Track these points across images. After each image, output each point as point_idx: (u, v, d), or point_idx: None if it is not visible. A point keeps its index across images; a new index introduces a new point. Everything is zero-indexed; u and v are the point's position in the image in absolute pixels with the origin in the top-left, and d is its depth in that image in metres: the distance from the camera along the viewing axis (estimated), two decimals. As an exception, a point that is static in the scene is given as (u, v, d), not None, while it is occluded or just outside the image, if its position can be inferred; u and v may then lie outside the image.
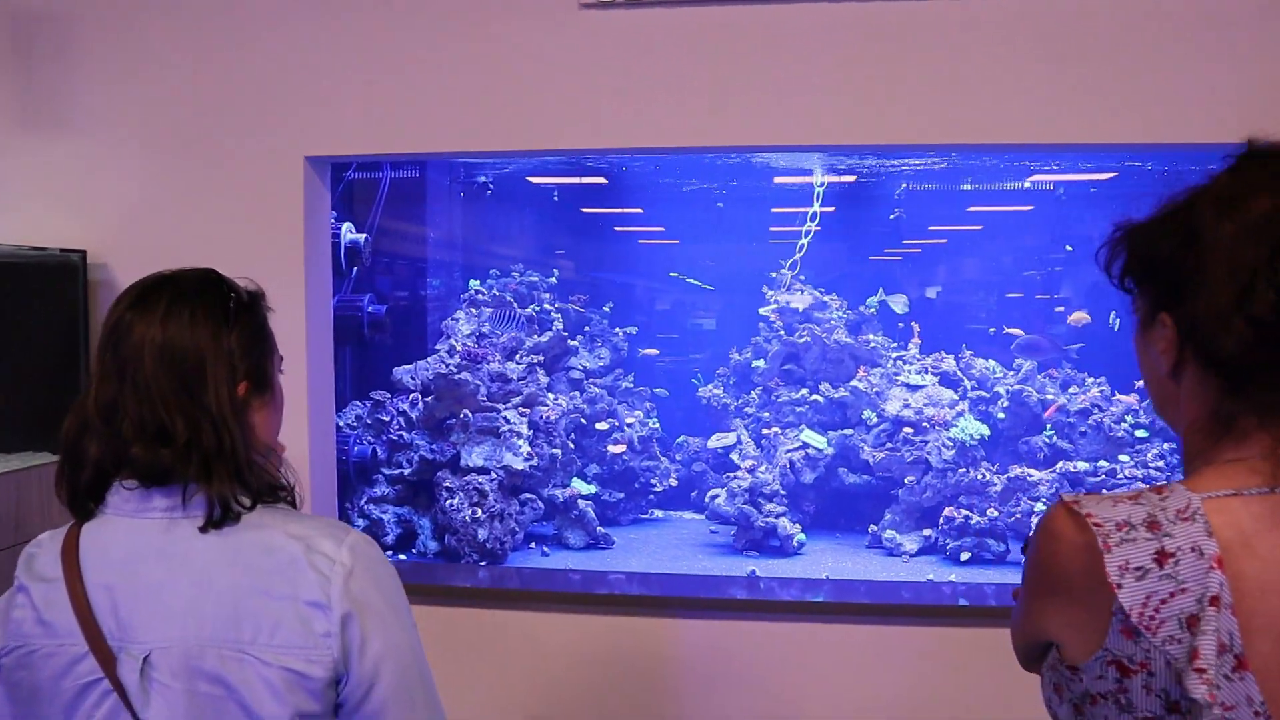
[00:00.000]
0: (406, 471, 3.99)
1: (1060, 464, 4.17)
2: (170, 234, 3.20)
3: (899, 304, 4.87)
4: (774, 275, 4.89)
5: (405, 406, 4.07)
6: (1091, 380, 4.52)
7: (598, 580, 3.54)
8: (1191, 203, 1.09)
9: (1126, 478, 4.09)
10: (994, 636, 3.10)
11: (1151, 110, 2.89)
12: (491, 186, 4.70)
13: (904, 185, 4.80)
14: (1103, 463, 4.17)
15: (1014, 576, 3.70)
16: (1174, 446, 4.33)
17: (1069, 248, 4.96)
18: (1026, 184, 4.70)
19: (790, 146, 3.10)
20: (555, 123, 3.07)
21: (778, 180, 4.76)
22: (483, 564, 3.76)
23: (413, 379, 4.18)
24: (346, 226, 3.80)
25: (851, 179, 4.69)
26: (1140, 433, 4.30)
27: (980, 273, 5.05)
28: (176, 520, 1.30)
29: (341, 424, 3.96)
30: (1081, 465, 4.13)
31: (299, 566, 1.28)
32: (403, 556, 3.88)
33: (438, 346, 4.31)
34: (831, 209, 4.69)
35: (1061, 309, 5.04)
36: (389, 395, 4.12)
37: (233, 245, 3.13)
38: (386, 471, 3.99)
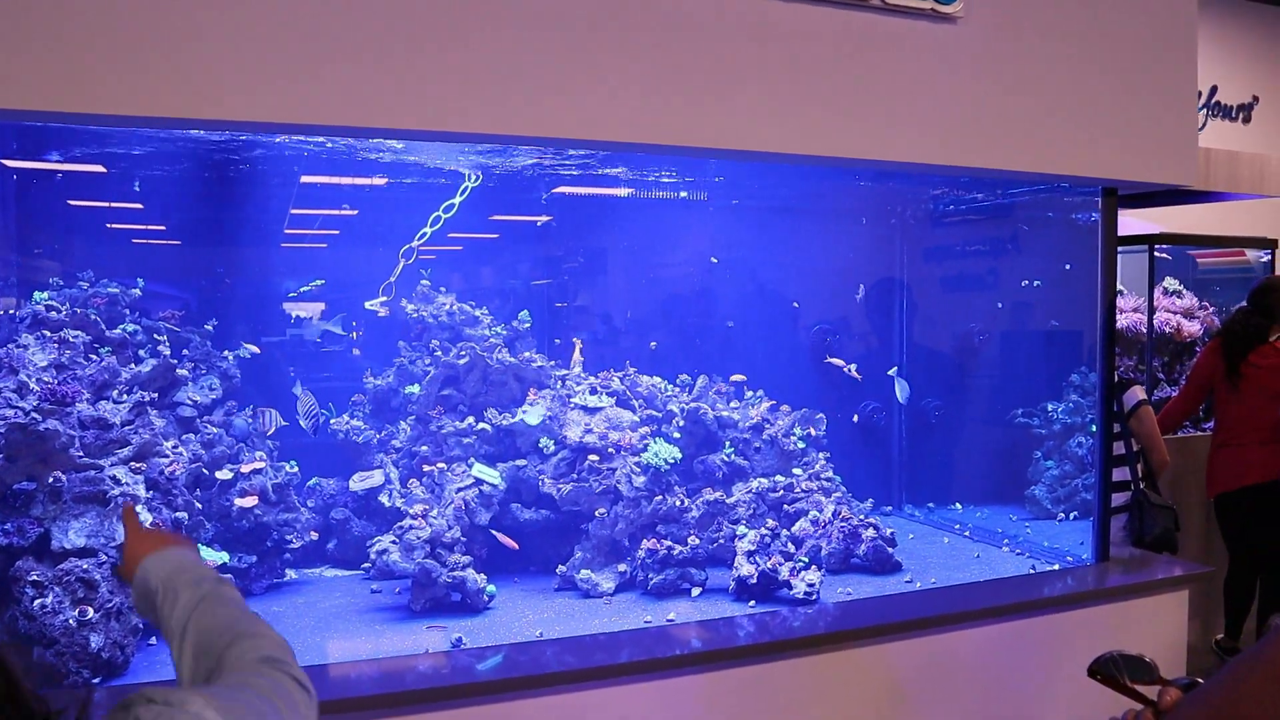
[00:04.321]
0: (-37, 565, 2.82)
1: (738, 484, 4.08)
2: None
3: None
4: (392, 279, 4.29)
5: (-44, 473, 2.88)
6: (752, 394, 4.50)
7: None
8: None
9: (805, 490, 4.09)
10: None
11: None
12: (61, 171, 3.53)
13: (554, 189, 4.43)
14: (779, 477, 4.14)
15: (728, 606, 3.50)
16: (829, 456, 4.44)
17: (714, 259, 4.94)
18: (683, 195, 4.58)
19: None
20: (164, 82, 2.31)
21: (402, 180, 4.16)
22: (96, 681, 2.75)
23: (-36, 433, 2.97)
24: None
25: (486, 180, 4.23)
26: (800, 444, 4.35)
27: (633, 285, 4.84)
28: None
29: None
30: (763, 482, 4.06)
31: None
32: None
33: (-2, 385, 3.12)
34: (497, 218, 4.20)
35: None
36: (-74, 458, 2.88)
37: None
38: (-72, 567, 2.79)
